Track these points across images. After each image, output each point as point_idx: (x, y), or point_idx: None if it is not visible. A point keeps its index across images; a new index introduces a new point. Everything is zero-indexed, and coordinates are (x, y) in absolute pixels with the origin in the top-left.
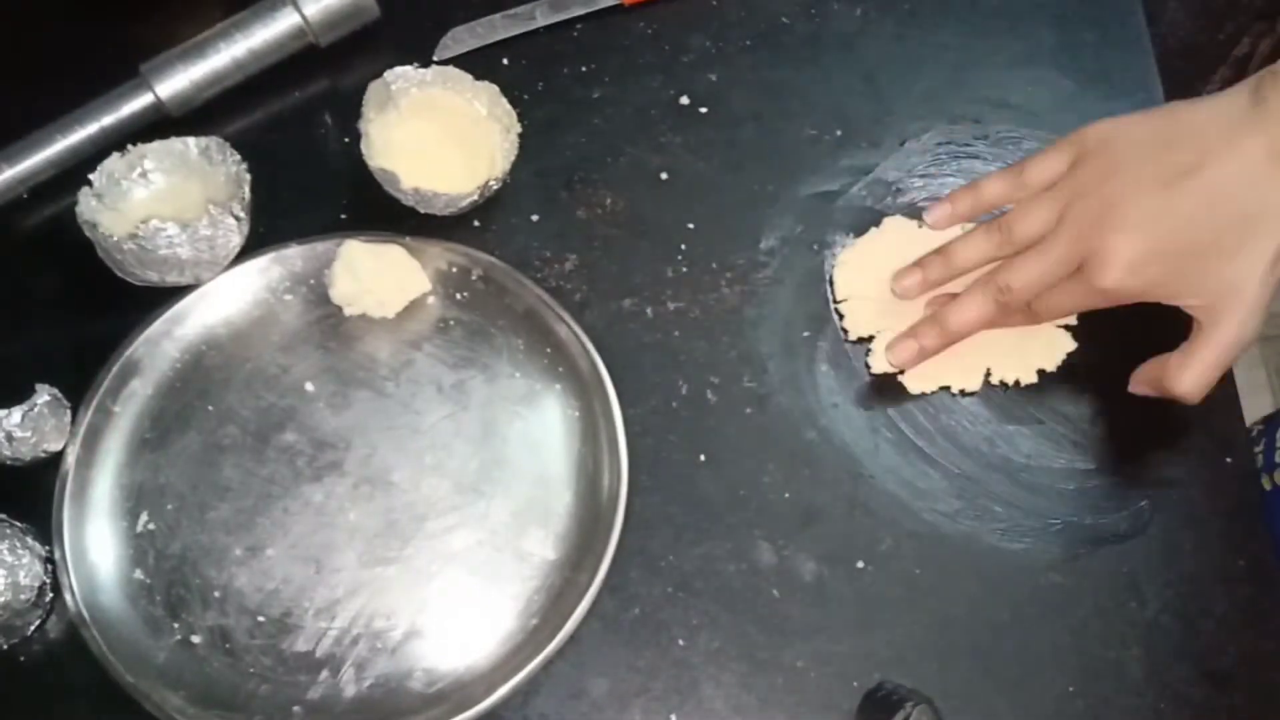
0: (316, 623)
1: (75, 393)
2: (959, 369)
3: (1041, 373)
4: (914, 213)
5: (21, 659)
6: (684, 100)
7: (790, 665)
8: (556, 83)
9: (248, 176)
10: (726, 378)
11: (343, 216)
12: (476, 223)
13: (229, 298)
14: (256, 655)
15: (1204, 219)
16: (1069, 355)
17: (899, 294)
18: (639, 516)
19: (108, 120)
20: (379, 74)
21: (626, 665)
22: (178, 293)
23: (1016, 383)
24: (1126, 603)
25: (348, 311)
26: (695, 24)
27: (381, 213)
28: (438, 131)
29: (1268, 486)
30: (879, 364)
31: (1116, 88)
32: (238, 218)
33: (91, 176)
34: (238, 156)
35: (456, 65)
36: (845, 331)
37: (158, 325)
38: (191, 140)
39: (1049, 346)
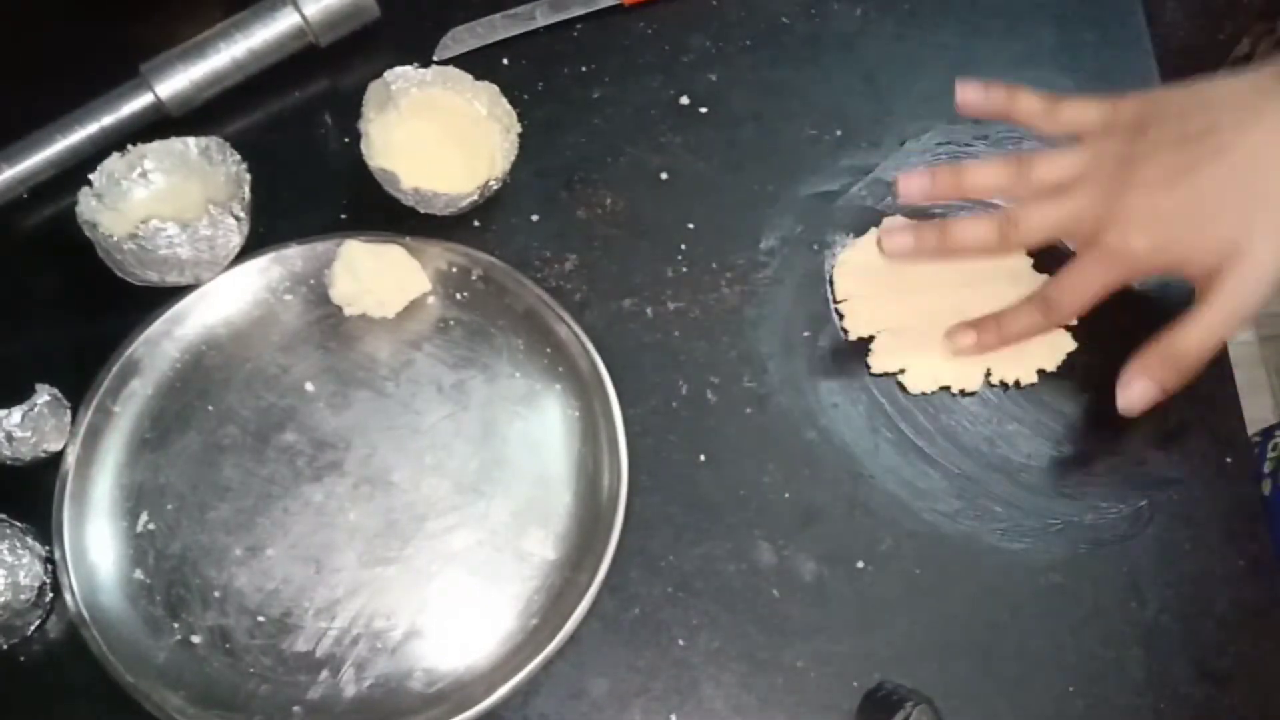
0: (316, 623)
1: (75, 393)
2: (959, 369)
3: (1041, 373)
4: (914, 213)
5: (21, 659)
6: (684, 100)
7: (790, 665)
8: (556, 83)
9: (248, 176)
10: (726, 378)
11: (343, 216)
12: (476, 223)
13: (229, 298)
14: (256, 655)
15: (1220, 182)
16: (1069, 355)
17: (902, 194)
18: (639, 516)
19: (108, 120)
20: (379, 74)
21: (626, 665)
22: (178, 293)
23: (1017, 383)
24: (1126, 603)
25: (348, 311)
26: (695, 24)
27: (381, 213)
28: (438, 131)
29: (1266, 490)
30: (879, 364)
31: (1116, 88)
32: (238, 218)
33: (91, 176)
34: (238, 156)
35: (456, 65)
36: (845, 331)
37: (158, 325)
38: (191, 140)
39: (1049, 346)
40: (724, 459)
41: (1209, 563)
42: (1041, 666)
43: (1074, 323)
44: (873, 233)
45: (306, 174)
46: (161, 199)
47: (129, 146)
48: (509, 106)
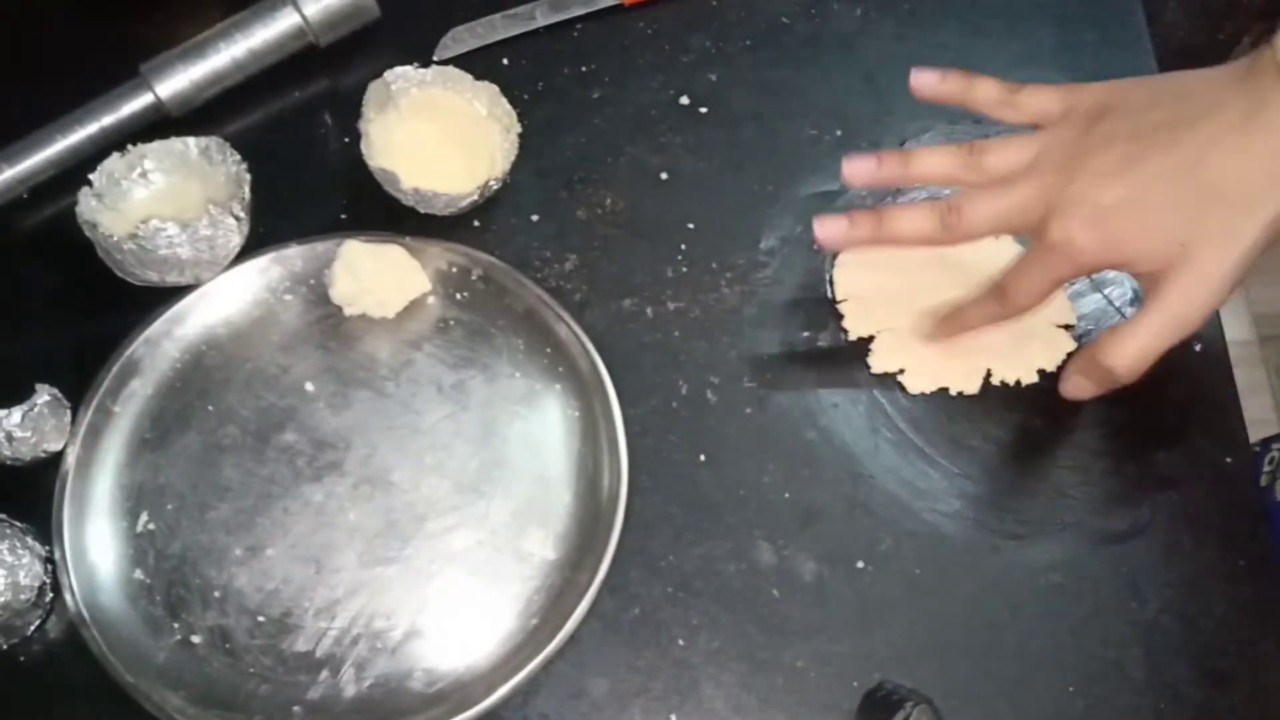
0: (316, 623)
1: (75, 393)
2: (959, 369)
3: (1041, 373)
4: None
5: (21, 659)
6: (684, 100)
7: (790, 665)
8: (556, 83)
9: (248, 176)
10: (726, 378)
11: (343, 216)
12: (476, 223)
13: (229, 298)
14: (256, 655)
15: (1168, 177)
16: (1069, 355)
17: (846, 174)
18: (639, 516)
19: (108, 120)
20: (379, 74)
21: (626, 665)
22: (178, 293)
23: (1017, 383)
24: (1126, 603)
25: (348, 311)
26: (695, 24)
27: (381, 213)
28: (438, 131)
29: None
30: (879, 364)
31: None
32: (238, 218)
33: (91, 176)
34: (238, 156)
35: (456, 65)
36: (845, 331)
37: (158, 325)
38: (191, 140)
39: (1049, 346)
40: (724, 459)
41: (1209, 563)
42: (1041, 666)
43: (1074, 322)
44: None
45: (306, 174)
46: (161, 199)
47: (129, 146)
48: (509, 106)
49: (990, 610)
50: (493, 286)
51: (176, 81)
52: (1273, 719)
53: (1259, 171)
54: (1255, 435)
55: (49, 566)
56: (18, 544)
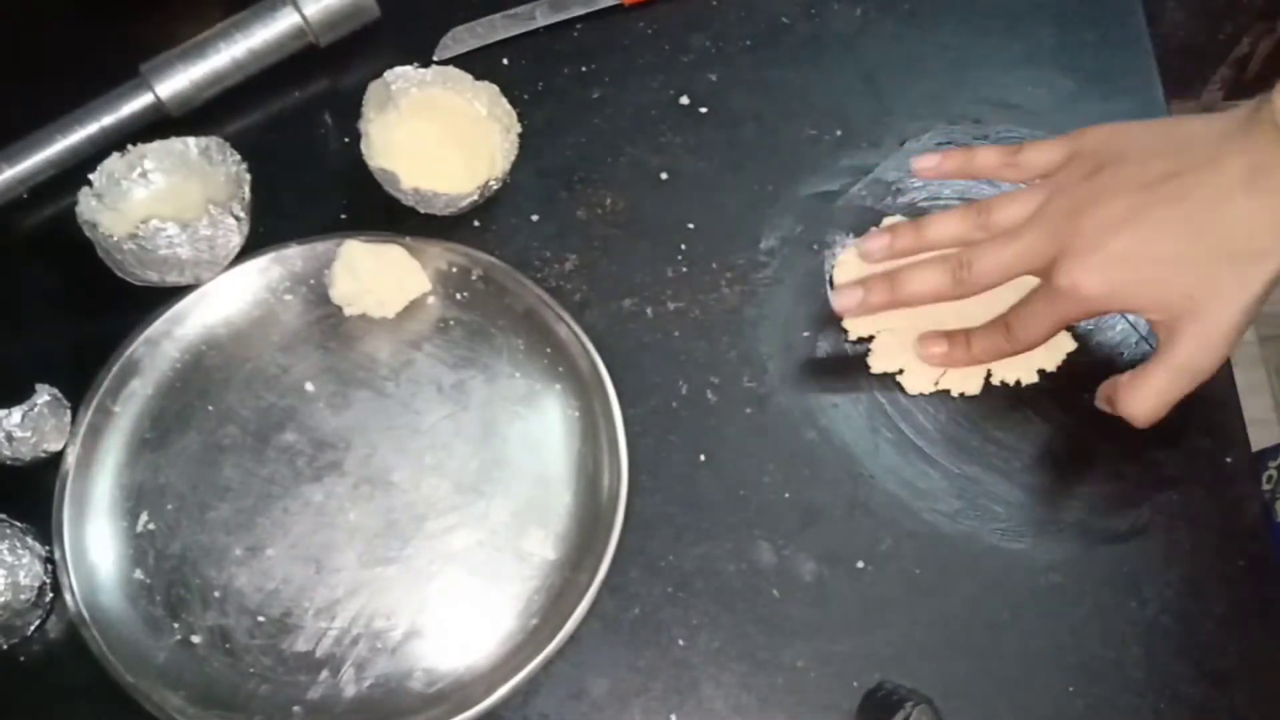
0: (316, 623)
1: (75, 393)
2: (959, 370)
3: (1041, 373)
4: (914, 213)
5: (21, 659)
6: (684, 100)
7: (790, 665)
8: (556, 83)
9: (248, 176)
10: (726, 378)
11: (343, 216)
12: (476, 223)
13: (229, 298)
14: (256, 655)
15: (1176, 228)
16: (1069, 355)
17: (862, 254)
18: (639, 516)
19: (108, 120)
20: (379, 74)
21: (626, 665)
22: (178, 293)
23: (1017, 383)
24: (1126, 603)
25: (348, 311)
26: (695, 24)
27: (381, 213)
28: (438, 131)
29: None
30: (879, 364)
31: (1116, 88)
32: (238, 218)
33: (91, 176)
34: (238, 156)
35: (456, 65)
36: (845, 331)
37: (158, 325)
38: (191, 140)
39: (1049, 346)
40: (724, 459)
41: (1209, 563)
42: (1041, 666)
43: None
44: (873, 232)
45: (306, 174)
46: (161, 199)
47: (129, 146)
48: (509, 106)
49: (990, 610)
50: (493, 286)
51: (176, 81)
52: (1273, 719)
53: (1266, 229)
54: (1255, 435)
55: (49, 566)
56: (18, 544)
